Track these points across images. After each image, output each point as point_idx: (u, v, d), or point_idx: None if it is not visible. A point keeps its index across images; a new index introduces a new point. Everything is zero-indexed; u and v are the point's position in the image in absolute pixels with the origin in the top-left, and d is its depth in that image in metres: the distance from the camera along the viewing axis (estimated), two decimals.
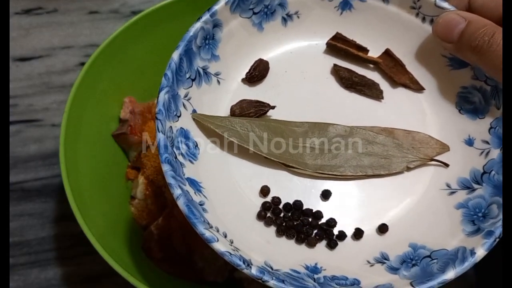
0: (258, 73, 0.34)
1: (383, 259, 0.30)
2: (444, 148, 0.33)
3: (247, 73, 0.35)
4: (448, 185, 0.32)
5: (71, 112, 0.40)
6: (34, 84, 0.55)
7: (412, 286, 0.27)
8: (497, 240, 0.28)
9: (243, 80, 0.35)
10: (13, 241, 0.47)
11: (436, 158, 0.33)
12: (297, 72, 0.35)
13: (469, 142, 0.33)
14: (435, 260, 0.29)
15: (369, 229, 0.31)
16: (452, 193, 0.32)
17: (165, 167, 0.28)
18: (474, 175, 0.32)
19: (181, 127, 0.31)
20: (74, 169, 0.38)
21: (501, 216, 0.29)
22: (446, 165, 0.33)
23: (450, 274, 0.28)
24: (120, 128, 0.45)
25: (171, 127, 0.30)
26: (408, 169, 0.33)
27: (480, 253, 0.28)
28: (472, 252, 0.28)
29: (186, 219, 0.27)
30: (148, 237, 0.41)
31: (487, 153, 0.32)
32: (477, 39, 0.30)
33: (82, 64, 0.55)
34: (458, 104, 0.34)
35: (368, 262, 0.30)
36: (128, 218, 0.43)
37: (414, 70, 0.35)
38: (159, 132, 0.29)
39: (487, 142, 0.32)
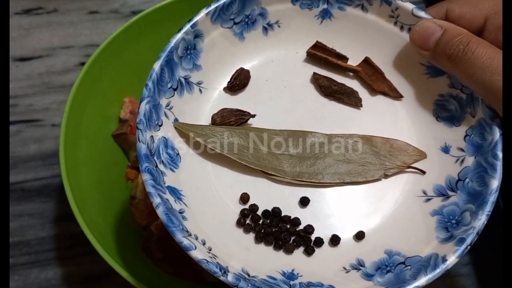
0: (239, 82, 0.35)
1: (359, 265, 0.31)
2: (421, 155, 0.34)
3: (228, 82, 0.35)
4: (424, 192, 0.33)
5: (71, 112, 0.40)
6: (34, 84, 0.55)
7: None
8: (469, 247, 0.29)
9: (224, 89, 0.35)
10: (13, 241, 0.47)
11: (413, 165, 0.33)
12: (278, 81, 0.36)
13: (446, 150, 0.33)
14: (408, 267, 0.30)
15: (346, 236, 0.32)
16: (428, 200, 0.32)
17: (145, 176, 0.29)
18: (450, 182, 0.32)
19: (162, 136, 0.32)
20: (74, 169, 0.38)
21: (473, 224, 0.29)
22: (423, 172, 0.33)
23: (422, 281, 0.28)
24: (120, 128, 0.45)
25: (152, 136, 0.31)
26: (386, 176, 0.33)
27: (452, 260, 0.29)
28: (444, 259, 0.29)
29: (166, 228, 0.28)
30: (148, 237, 0.41)
31: (462, 161, 0.32)
32: (452, 47, 0.30)
33: (82, 64, 0.55)
34: (436, 111, 0.34)
35: (344, 268, 0.31)
36: (128, 218, 0.43)
37: (393, 78, 0.36)
38: (139, 142, 0.29)
39: (462, 150, 0.33)
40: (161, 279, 0.39)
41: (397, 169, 0.33)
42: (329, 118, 0.35)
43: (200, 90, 0.35)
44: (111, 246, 0.36)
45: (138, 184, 0.44)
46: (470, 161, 0.32)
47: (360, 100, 0.35)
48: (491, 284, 0.44)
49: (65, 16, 0.60)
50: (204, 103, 0.35)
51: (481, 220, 0.29)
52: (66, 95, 0.40)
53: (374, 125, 0.35)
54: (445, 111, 0.34)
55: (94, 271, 0.45)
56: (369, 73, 0.36)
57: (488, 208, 0.30)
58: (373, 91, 0.36)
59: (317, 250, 0.31)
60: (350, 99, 0.35)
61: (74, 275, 0.46)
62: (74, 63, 0.57)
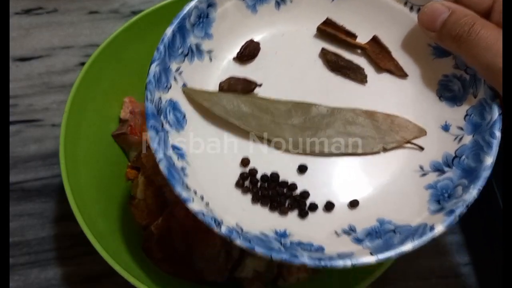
0: (248, 53, 0.36)
1: (350, 231, 0.32)
2: (421, 132, 0.34)
3: (238, 52, 0.36)
4: (421, 167, 0.34)
5: (71, 112, 0.40)
6: (34, 84, 0.55)
7: (371, 254, 0.29)
8: (458, 218, 0.30)
9: (234, 59, 0.36)
10: (13, 241, 0.47)
11: (412, 141, 0.34)
12: (287, 54, 0.37)
13: (446, 128, 0.34)
14: (397, 234, 0.31)
15: (341, 203, 0.33)
16: (424, 175, 0.33)
17: (151, 133, 0.30)
18: (446, 159, 0.33)
19: (170, 99, 0.33)
20: (74, 169, 0.38)
21: (464, 197, 0.30)
22: (421, 148, 0.34)
23: (408, 246, 0.29)
24: (120, 128, 0.45)
25: (160, 97, 0.32)
26: (384, 150, 0.34)
27: (439, 229, 0.30)
28: (432, 228, 0.30)
29: (167, 181, 0.29)
30: (148, 237, 0.41)
31: (461, 139, 0.33)
32: (457, 28, 0.31)
33: (82, 64, 0.55)
34: (439, 91, 0.35)
35: (336, 232, 0.32)
36: (128, 218, 0.43)
37: (400, 57, 0.36)
38: (147, 101, 0.31)
39: (462, 129, 0.33)
40: (161, 279, 0.39)
41: (396, 143, 0.34)
42: (334, 92, 0.36)
43: (210, 59, 0.35)
44: (111, 246, 0.36)
45: (138, 184, 0.44)
46: (468, 139, 0.33)
47: (365, 76, 0.36)
48: (491, 284, 0.44)
49: (65, 16, 0.60)
50: (213, 71, 0.35)
51: (472, 194, 0.30)
52: (66, 95, 0.40)
53: (377, 101, 0.35)
54: (448, 91, 0.35)
55: (94, 271, 0.45)
56: (376, 51, 0.36)
57: (480, 183, 0.30)
58: (379, 69, 0.36)
59: (310, 214, 0.32)
60: (356, 75, 0.36)
61: (74, 275, 0.46)
62: (74, 63, 0.57)
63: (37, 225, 0.48)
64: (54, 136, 0.52)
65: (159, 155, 0.29)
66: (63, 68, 0.56)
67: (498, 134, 0.31)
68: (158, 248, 0.40)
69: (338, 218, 0.32)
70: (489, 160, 0.31)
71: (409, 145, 0.34)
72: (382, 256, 0.29)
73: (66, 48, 0.58)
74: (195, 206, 0.29)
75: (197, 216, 0.28)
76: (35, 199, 0.49)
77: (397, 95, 0.36)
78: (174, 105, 0.33)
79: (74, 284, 0.45)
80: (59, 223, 0.48)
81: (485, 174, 0.31)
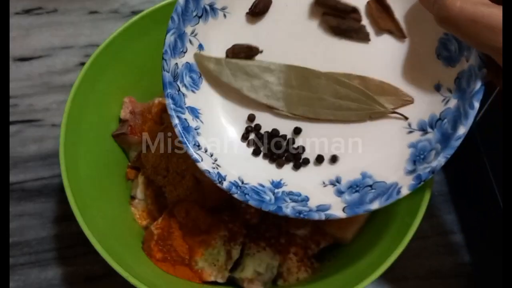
0: (261, 7, 0.37)
1: (336, 182, 0.36)
2: (408, 100, 0.36)
3: (251, 6, 0.37)
4: (409, 124, 0.35)
5: (71, 112, 0.40)
6: (34, 84, 0.55)
7: (343, 211, 0.33)
8: (421, 183, 0.32)
9: (247, 13, 0.37)
10: (13, 241, 0.47)
11: (399, 109, 0.36)
12: (295, 12, 0.37)
13: (438, 88, 0.35)
14: (373, 190, 0.34)
15: (329, 157, 0.37)
16: (410, 132, 0.35)
17: (168, 101, 0.34)
18: (431, 120, 0.34)
19: (186, 62, 0.36)
20: (74, 169, 0.38)
21: (433, 163, 0.32)
22: (406, 118, 0.36)
23: (375, 205, 0.33)
24: (120, 128, 0.45)
25: (176, 63, 0.35)
26: (371, 119, 0.36)
27: (404, 192, 0.33)
28: (398, 191, 0.33)
29: (181, 143, 0.34)
30: (148, 237, 0.41)
31: (447, 101, 0.34)
32: (442, 10, 0.29)
33: (82, 64, 0.55)
34: (438, 49, 0.35)
35: (323, 183, 0.36)
36: (128, 218, 0.43)
37: (401, 18, 0.36)
38: (164, 71, 0.34)
39: (450, 91, 0.34)
40: (161, 279, 0.39)
41: (383, 112, 0.36)
42: (331, 56, 0.37)
43: (224, 15, 0.37)
44: (111, 246, 0.36)
45: (138, 184, 0.44)
46: (453, 103, 0.33)
47: (367, 34, 0.37)
48: (491, 284, 0.44)
49: (65, 16, 0.60)
50: (228, 27, 0.37)
51: (440, 161, 0.32)
52: (66, 95, 0.40)
53: (377, 61, 0.36)
54: (446, 50, 0.35)
55: (94, 271, 0.45)
56: (379, 10, 0.36)
57: (449, 151, 0.32)
58: (379, 30, 0.37)
59: (303, 167, 0.37)
60: (358, 34, 0.37)
61: (74, 275, 0.46)
62: (74, 63, 0.57)
63: (37, 225, 0.48)
64: (54, 136, 0.52)
65: (175, 121, 0.34)
66: (63, 68, 0.57)
67: (476, 105, 0.31)
68: (158, 248, 0.40)
69: (328, 170, 0.36)
70: (462, 130, 0.32)
71: (395, 114, 0.36)
72: (350, 213, 0.33)
73: (66, 48, 0.58)
74: (203, 165, 0.34)
75: (205, 173, 0.34)
76: (35, 199, 0.49)
77: (397, 54, 0.36)
78: (190, 67, 0.36)
79: (74, 284, 0.45)
80: (59, 223, 0.48)
81: (455, 143, 0.32)
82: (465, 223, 0.47)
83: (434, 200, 0.49)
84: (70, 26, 0.59)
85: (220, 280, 0.40)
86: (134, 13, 0.60)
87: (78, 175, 0.39)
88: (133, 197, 0.45)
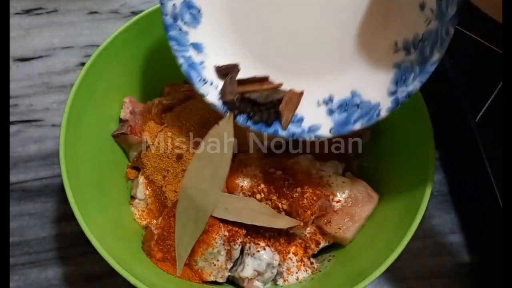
0: None
1: (329, 100, 0.38)
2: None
3: None
4: (396, 43, 0.36)
5: (71, 112, 0.40)
6: (34, 84, 0.55)
7: (330, 132, 0.37)
8: (398, 106, 0.34)
9: None
10: (13, 241, 0.47)
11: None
12: None
13: (422, 6, 0.34)
14: (359, 110, 0.36)
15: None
16: (396, 51, 0.36)
17: (171, 43, 0.37)
18: (415, 39, 0.35)
19: (184, 0, 0.38)
20: (74, 169, 0.38)
21: (408, 87, 0.34)
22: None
23: (357, 126, 0.36)
24: (120, 128, 0.45)
25: (174, 4, 0.37)
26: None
27: (383, 114, 0.35)
28: (378, 114, 0.35)
29: (188, 79, 0.38)
30: (148, 237, 0.41)
31: (429, 22, 0.34)
32: None
33: (82, 64, 0.55)
34: None
35: (318, 102, 0.38)
36: (128, 218, 0.43)
37: None
38: (163, 15, 0.37)
39: (433, 12, 0.33)
40: (161, 279, 0.39)
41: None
42: None
43: None
44: (111, 246, 0.36)
45: (138, 184, 0.44)
46: (433, 24, 0.33)
47: None
48: (491, 284, 0.44)
49: (65, 16, 0.60)
50: None
51: (415, 86, 0.33)
52: (66, 95, 0.41)
53: None
54: None
55: (94, 271, 0.45)
56: None
57: (424, 76, 0.33)
58: None
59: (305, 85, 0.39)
60: None
61: (74, 275, 0.46)
62: (74, 63, 0.57)
63: (37, 225, 0.48)
64: (54, 136, 0.52)
65: (180, 60, 0.37)
66: (63, 68, 0.57)
67: (451, 31, 0.31)
68: (158, 248, 0.40)
69: (322, 86, 0.38)
70: (437, 55, 0.32)
71: None
72: (336, 132, 0.36)
73: (66, 48, 0.58)
74: (210, 98, 0.38)
75: (213, 106, 0.38)
76: (35, 199, 0.49)
77: None
78: (188, 4, 0.38)
79: (74, 284, 0.45)
80: (59, 223, 0.48)
81: (431, 68, 0.32)
82: (465, 223, 0.47)
83: (434, 200, 0.49)
84: (70, 26, 0.59)
85: (220, 280, 0.40)
86: (134, 13, 0.60)
87: (78, 175, 0.39)
88: (133, 197, 0.45)
